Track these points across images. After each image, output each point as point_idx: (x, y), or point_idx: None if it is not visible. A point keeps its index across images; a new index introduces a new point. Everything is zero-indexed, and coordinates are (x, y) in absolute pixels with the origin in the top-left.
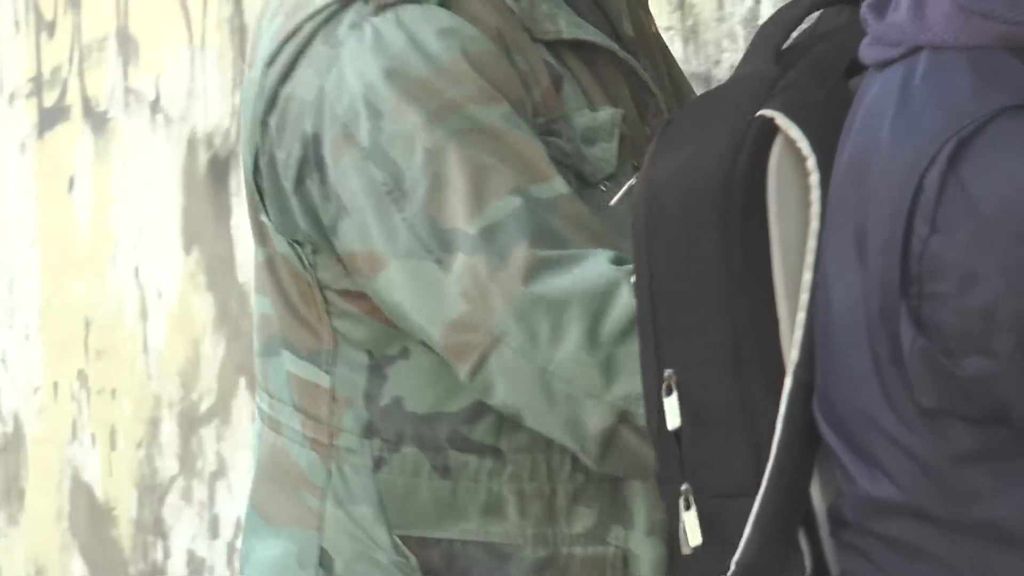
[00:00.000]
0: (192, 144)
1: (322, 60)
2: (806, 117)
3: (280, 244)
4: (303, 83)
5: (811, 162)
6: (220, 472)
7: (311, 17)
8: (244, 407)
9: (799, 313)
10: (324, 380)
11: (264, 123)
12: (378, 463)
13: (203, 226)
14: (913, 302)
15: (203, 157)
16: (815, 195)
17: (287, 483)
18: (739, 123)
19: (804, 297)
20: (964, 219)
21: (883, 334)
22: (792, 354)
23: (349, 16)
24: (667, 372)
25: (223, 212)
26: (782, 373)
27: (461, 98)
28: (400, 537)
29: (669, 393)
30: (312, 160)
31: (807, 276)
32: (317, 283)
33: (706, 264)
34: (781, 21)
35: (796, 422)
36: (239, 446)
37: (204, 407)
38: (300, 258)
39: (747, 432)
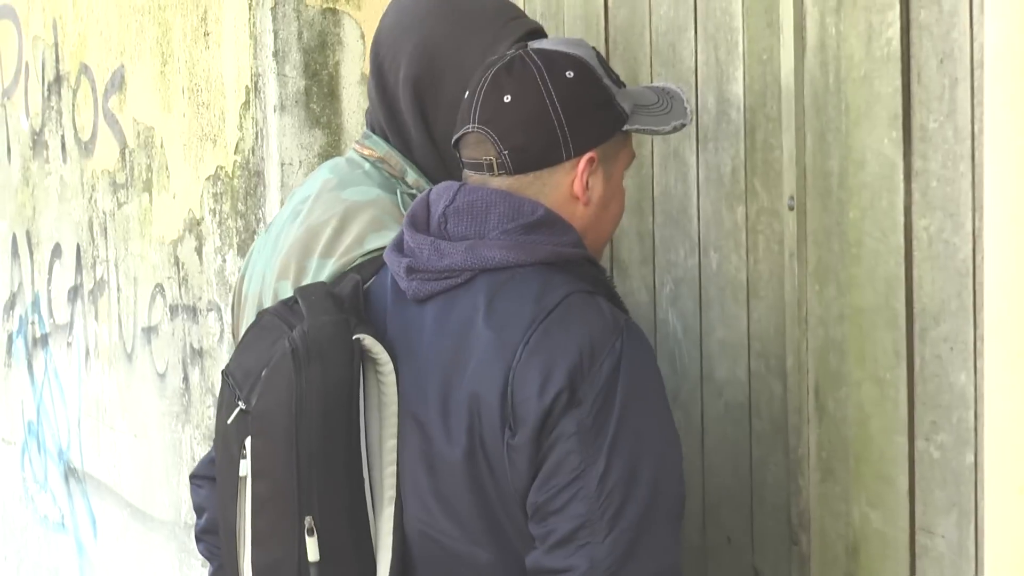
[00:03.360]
0: None
1: None
2: (380, 340)
3: None
4: None
5: (388, 367)
6: None
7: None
8: None
9: (389, 467)
10: None
11: None
12: None
13: None
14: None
15: None
16: (391, 390)
17: None
18: (345, 350)
19: (393, 455)
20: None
21: (489, 472)
22: (389, 493)
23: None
24: (308, 519)
25: None
26: (367, 514)
27: None
28: None
29: (312, 534)
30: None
31: (392, 442)
32: None
33: (339, 442)
34: (316, 293)
35: (399, 536)
36: None
37: None
38: None
39: (364, 553)
